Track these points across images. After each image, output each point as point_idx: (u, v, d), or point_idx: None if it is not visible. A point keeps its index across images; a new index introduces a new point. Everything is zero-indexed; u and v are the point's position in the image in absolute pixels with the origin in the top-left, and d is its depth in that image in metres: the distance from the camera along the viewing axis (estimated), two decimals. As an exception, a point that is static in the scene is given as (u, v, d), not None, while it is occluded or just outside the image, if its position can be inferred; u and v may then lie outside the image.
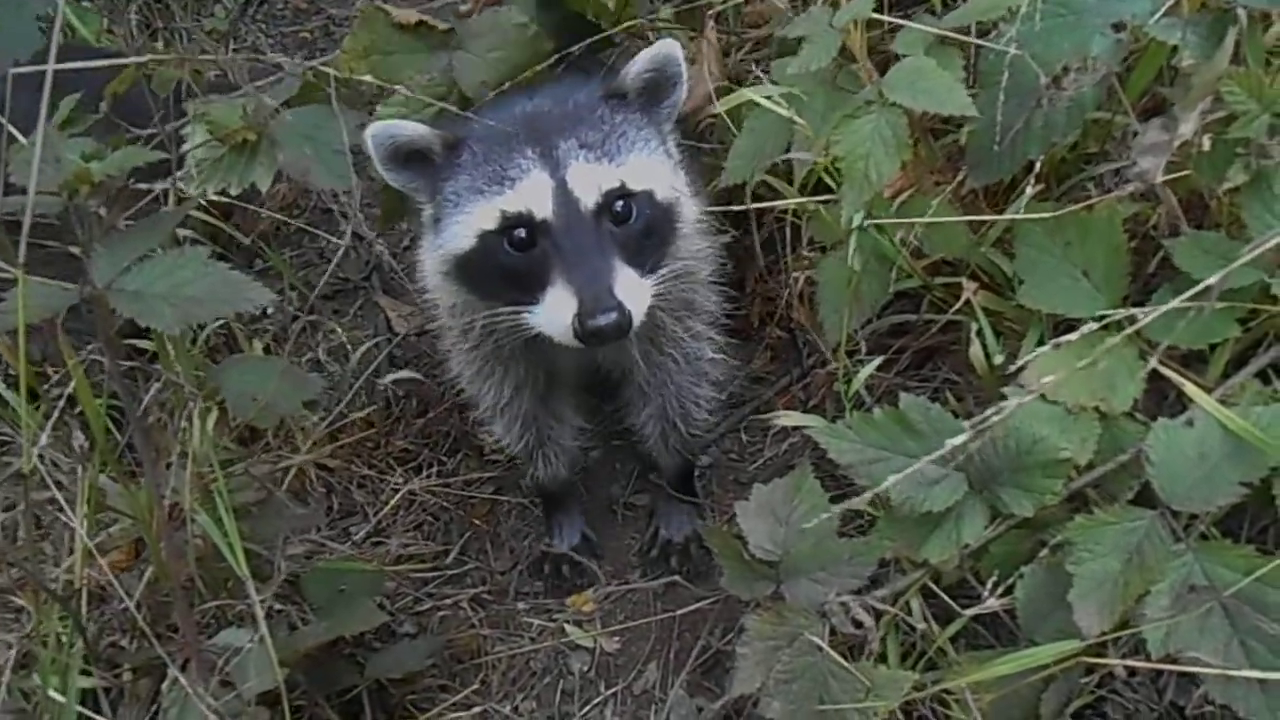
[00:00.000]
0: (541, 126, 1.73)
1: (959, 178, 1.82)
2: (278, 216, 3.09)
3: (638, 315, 1.63)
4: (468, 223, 1.73)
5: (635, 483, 2.42)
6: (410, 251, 2.90)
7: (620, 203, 1.69)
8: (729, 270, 2.16)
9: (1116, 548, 1.48)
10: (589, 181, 1.68)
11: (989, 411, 1.38)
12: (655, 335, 1.98)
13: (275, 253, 2.85)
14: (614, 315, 1.58)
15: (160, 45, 3.71)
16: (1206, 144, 1.45)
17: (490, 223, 1.70)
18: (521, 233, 1.68)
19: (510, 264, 1.70)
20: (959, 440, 1.36)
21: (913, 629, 1.75)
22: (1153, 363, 1.49)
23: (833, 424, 1.69)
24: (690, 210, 1.87)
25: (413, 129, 1.74)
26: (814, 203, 1.87)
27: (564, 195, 1.66)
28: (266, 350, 2.61)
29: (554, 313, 1.63)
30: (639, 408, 2.16)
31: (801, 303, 2.53)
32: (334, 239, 3.13)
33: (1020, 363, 1.74)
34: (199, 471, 1.41)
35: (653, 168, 1.77)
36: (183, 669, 1.43)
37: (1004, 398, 1.64)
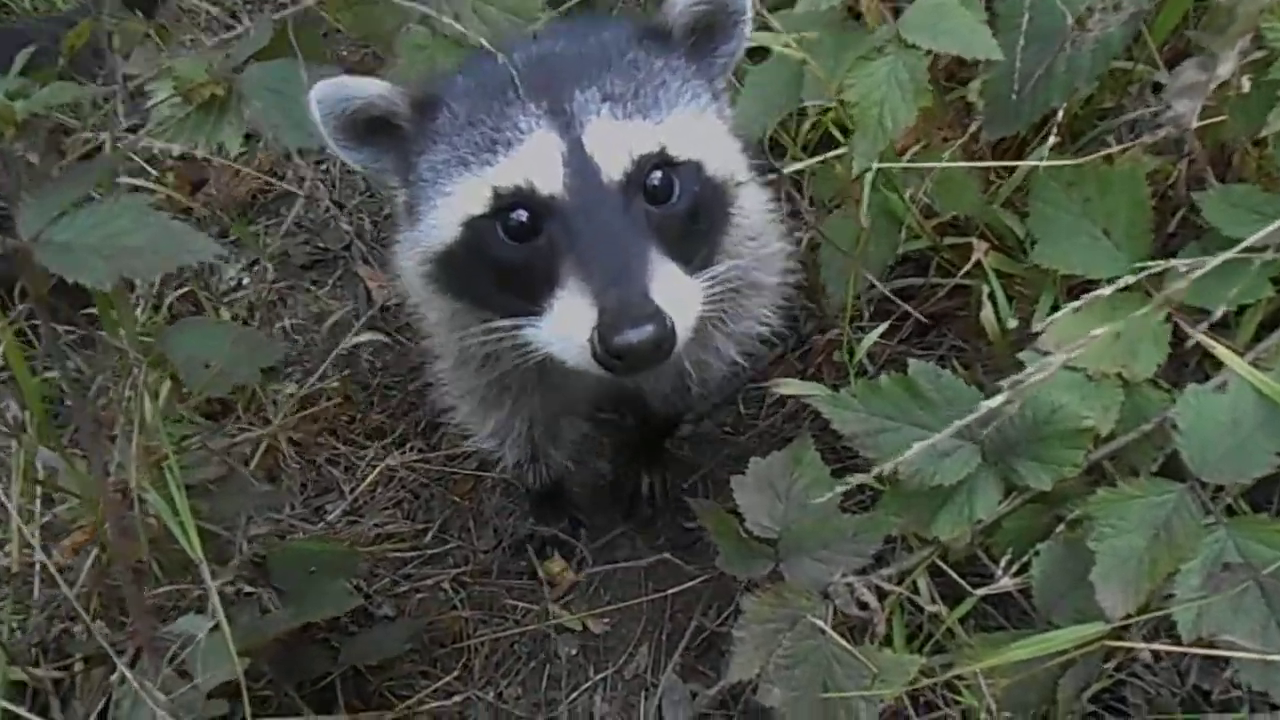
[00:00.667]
0: (550, 73, 1.31)
1: (969, 132, 1.70)
2: (256, 174, 2.98)
3: (683, 328, 1.20)
4: (449, 206, 1.32)
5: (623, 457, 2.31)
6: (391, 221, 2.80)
7: (658, 174, 1.28)
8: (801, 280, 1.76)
9: (1142, 523, 1.37)
10: (615, 143, 1.26)
11: (1027, 372, 1.27)
12: (703, 354, 1.62)
13: (242, 224, 2.71)
14: (649, 328, 1.15)
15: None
16: (1245, 86, 1.33)
17: (478, 204, 1.29)
18: (521, 215, 1.27)
19: (507, 260, 1.28)
20: (994, 404, 1.25)
21: (919, 609, 1.65)
22: (1201, 329, 1.37)
23: (836, 393, 1.57)
24: (753, 195, 1.50)
25: (370, 87, 1.33)
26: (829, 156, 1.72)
27: (580, 162, 1.25)
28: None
29: (565, 326, 1.21)
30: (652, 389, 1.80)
31: (800, 269, 2.42)
32: (316, 204, 3.03)
33: (1038, 327, 1.65)
34: (149, 446, 1.29)
35: (702, 131, 1.36)
36: (135, 659, 1.32)
37: (1019, 364, 1.54)
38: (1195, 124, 1.33)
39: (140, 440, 1.26)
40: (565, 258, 1.23)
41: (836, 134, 2.12)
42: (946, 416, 1.53)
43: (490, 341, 1.40)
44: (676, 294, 1.22)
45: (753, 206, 1.51)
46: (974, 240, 1.73)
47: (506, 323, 1.28)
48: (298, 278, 2.88)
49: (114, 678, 1.28)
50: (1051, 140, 1.51)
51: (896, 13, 1.61)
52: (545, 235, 1.26)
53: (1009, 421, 1.48)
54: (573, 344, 1.21)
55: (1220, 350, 1.41)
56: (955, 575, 1.59)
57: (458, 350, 1.57)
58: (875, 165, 1.59)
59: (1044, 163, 1.51)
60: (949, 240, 1.88)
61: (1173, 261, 1.33)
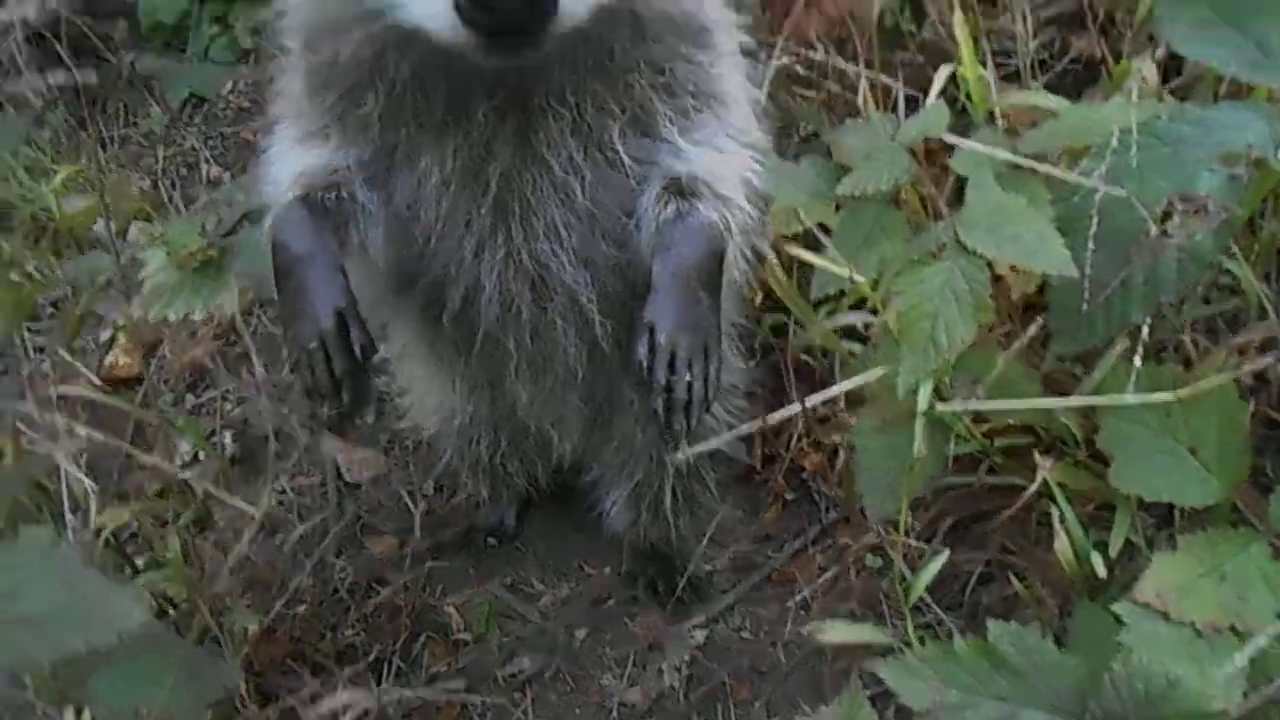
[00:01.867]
0: None
1: (1030, 331, 1.50)
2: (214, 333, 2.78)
3: None
4: None
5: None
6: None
7: None
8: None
9: (1298, 837, 1.13)
10: None
11: None
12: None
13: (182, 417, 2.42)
14: None
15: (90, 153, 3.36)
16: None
17: None
18: None
19: None
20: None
21: None
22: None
23: (901, 656, 1.33)
24: None
25: None
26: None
27: None
28: (191, 531, 2.20)
29: None
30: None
31: (815, 450, 2.20)
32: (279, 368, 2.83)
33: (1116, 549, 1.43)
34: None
35: None
36: None
37: (1116, 618, 1.32)
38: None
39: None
40: None
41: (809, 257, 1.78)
42: (1034, 686, 1.30)
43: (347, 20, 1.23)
44: None
45: None
46: (1038, 456, 1.52)
47: None
48: (259, 449, 2.65)
49: None
50: (1135, 361, 1.31)
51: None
52: None
53: (1114, 694, 1.25)
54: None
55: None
56: None
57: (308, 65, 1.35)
58: (933, 407, 1.38)
59: (1130, 397, 1.30)
60: (1001, 443, 1.67)
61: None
